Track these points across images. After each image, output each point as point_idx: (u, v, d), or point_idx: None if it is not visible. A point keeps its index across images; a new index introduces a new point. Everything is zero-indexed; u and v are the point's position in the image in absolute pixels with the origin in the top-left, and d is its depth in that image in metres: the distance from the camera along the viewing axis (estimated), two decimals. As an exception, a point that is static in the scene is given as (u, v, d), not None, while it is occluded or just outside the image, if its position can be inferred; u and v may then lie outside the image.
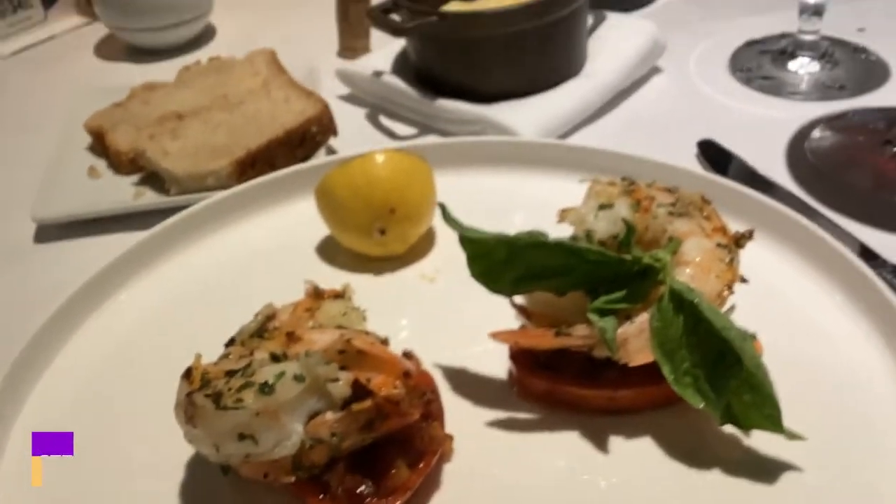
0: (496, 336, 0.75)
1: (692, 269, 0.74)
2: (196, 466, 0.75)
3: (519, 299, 0.77)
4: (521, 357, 0.78)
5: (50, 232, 1.10)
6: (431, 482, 0.71)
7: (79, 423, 0.80)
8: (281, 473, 0.68)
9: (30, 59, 1.65)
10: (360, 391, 0.68)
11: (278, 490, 0.70)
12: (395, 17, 1.23)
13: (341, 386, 0.68)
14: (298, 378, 0.67)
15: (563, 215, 0.79)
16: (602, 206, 0.78)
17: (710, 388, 0.69)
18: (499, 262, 0.74)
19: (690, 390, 0.69)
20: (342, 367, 0.69)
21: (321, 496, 0.68)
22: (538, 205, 0.97)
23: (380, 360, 0.69)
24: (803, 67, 1.28)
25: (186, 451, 0.75)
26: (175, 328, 0.90)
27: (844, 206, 1.01)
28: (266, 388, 0.66)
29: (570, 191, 0.95)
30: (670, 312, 0.70)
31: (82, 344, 0.89)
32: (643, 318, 0.71)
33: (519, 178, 1.06)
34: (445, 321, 0.88)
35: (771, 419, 0.68)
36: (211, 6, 1.60)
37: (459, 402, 0.79)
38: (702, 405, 0.69)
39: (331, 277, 0.94)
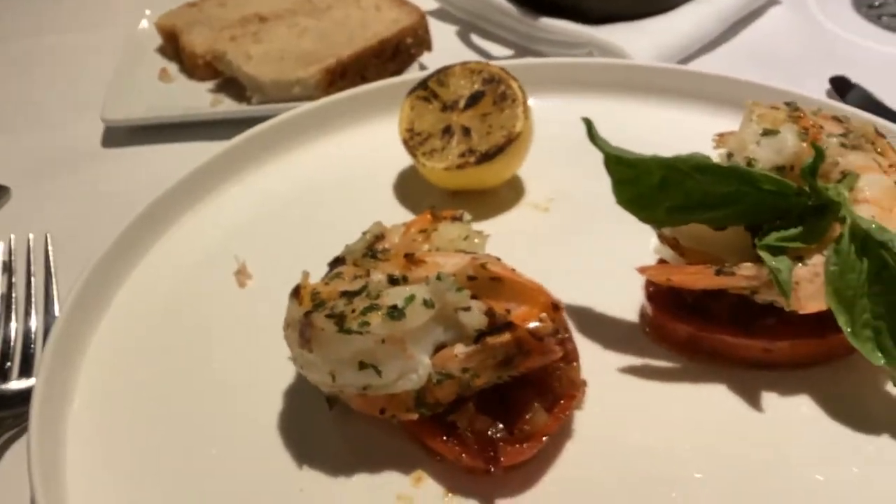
0: (645, 272, 0.66)
1: (872, 208, 0.64)
2: (296, 395, 0.67)
3: (668, 231, 0.68)
4: (661, 297, 0.69)
5: (118, 136, 1.02)
6: (564, 430, 0.63)
7: (164, 339, 0.73)
8: (401, 409, 0.60)
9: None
10: (494, 323, 0.60)
11: (392, 428, 0.63)
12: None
13: (476, 315, 0.59)
14: (428, 303, 0.59)
15: (722, 140, 0.70)
16: (766, 133, 0.68)
17: (893, 344, 0.60)
18: (652, 187, 0.65)
19: (870, 345, 0.61)
20: (472, 296, 0.61)
21: (444, 438, 0.60)
22: (664, 137, 0.88)
23: (522, 288, 0.61)
24: (936, 6, 1.17)
25: (285, 378, 0.68)
26: (262, 246, 0.82)
27: None
28: (395, 313, 0.58)
29: (699, 124, 0.86)
30: (852, 255, 0.61)
31: (165, 255, 0.81)
32: (817, 261, 0.63)
33: (635, 107, 0.96)
34: (564, 254, 0.79)
35: (963, 383, 0.60)
36: None
37: (587, 343, 0.70)
38: (882, 362, 0.60)
39: (429, 200, 0.85)
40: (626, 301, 0.73)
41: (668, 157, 0.64)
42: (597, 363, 0.68)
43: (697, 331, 0.68)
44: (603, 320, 0.73)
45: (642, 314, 0.72)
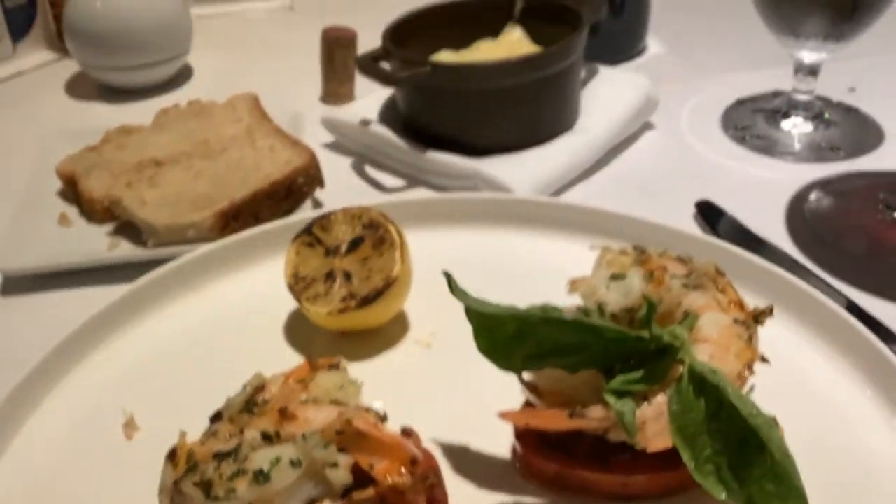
0: (506, 416, 0.71)
1: (710, 347, 0.70)
2: (177, 554, 0.69)
3: (528, 375, 0.73)
4: (528, 436, 0.73)
5: (17, 284, 1.03)
6: (434, 575, 0.66)
7: (50, 496, 0.75)
8: (273, 567, 0.63)
9: (-4, 95, 1.59)
10: (361, 476, 0.63)
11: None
12: (385, 65, 1.19)
13: (341, 472, 0.62)
14: (295, 464, 0.62)
15: (574, 286, 0.75)
16: (614, 277, 0.74)
17: (732, 478, 0.65)
18: (508, 337, 0.70)
19: (712, 479, 0.65)
20: (341, 449, 0.64)
21: (317, 592, 0.63)
22: (538, 268, 0.95)
23: (383, 444, 0.64)
24: (797, 127, 1.27)
25: (166, 537, 0.70)
26: (153, 395, 0.84)
27: (844, 272, 0.99)
28: (261, 477, 0.61)
29: (570, 252, 0.93)
30: (691, 395, 0.66)
31: (52, 413, 0.83)
32: (661, 400, 0.67)
33: (513, 238, 1.03)
34: (443, 392, 0.83)
35: (796, 511, 0.64)
36: (189, 46, 1.55)
37: (461, 483, 0.74)
38: (723, 496, 0.65)
39: (318, 340, 0.90)
40: (499, 439, 0.76)
41: (521, 309, 0.69)
42: (469, 503, 0.72)
43: (562, 468, 0.72)
44: (477, 459, 0.76)
45: (514, 452, 0.76)
